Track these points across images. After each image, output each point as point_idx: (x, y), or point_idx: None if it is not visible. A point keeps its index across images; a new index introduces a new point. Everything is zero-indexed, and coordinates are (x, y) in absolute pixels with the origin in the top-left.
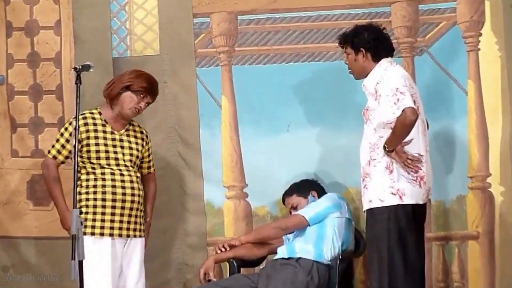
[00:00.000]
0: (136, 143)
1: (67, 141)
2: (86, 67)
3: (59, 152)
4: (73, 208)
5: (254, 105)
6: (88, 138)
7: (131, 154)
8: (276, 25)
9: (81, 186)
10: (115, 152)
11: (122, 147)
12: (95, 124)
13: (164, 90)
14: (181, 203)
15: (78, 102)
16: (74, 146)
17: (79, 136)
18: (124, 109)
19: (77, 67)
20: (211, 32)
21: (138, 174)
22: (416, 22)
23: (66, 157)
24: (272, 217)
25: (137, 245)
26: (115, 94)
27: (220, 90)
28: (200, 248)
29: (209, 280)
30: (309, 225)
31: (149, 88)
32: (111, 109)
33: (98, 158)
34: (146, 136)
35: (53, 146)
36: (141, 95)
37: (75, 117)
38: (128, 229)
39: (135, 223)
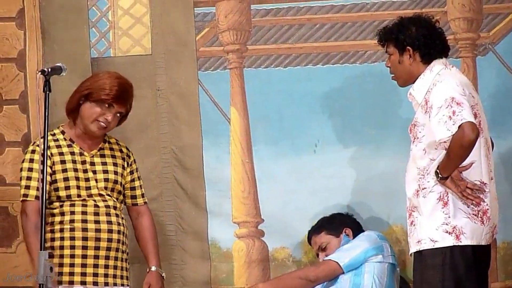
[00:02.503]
0: (114, 164)
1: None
2: (57, 70)
3: (38, 189)
4: (40, 249)
5: (271, 119)
6: (53, 164)
7: (106, 179)
8: (300, 17)
9: (47, 223)
10: (87, 179)
11: (94, 172)
12: (59, 147)
13: (157, 100)
14: (178, 244)
15: (47, 114)
16: (42, 172)
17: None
18: (88, 125)
19: (46, 70)
20: (217, 26)
21: (118, 205)
22: (478, 12)
23: (49, 193)
24: (294, 262)
25: None
26: (74, 107)
27: (229, 100)
28: None
29: None
30: (343, 272)
31: (114, 94)
32: (75, 126)
33: (67, 188)
34: (128, 156)
35: (27, 187)
36: (106, 105)
37: (43, 136)
38: (106, 275)
39: (115, 267)
